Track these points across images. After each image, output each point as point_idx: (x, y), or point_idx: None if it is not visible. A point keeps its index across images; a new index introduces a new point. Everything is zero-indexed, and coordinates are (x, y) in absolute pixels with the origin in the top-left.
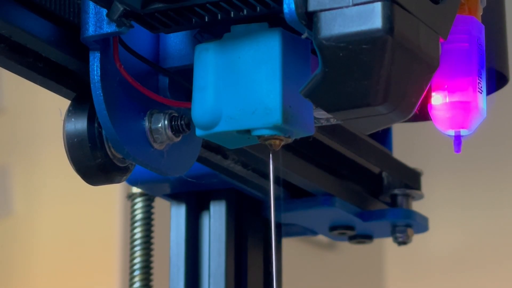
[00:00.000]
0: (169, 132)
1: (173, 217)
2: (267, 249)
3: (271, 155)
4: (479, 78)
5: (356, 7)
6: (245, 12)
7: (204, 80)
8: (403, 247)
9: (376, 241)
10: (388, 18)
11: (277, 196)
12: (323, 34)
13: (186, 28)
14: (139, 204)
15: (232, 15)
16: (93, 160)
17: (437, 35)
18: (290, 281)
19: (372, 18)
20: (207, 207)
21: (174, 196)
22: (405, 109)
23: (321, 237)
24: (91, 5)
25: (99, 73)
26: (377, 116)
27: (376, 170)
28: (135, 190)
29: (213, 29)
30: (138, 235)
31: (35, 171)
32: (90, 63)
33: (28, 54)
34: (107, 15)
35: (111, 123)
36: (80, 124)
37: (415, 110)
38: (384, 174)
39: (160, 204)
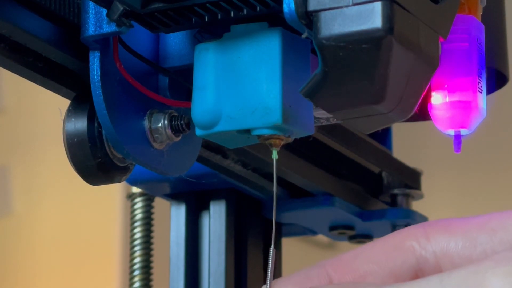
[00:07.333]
0: (169, 132)
1: (173, 217)
2: (267, 249)
3: (274, 156)
4: (479, 78)
5: (356, 6)
6: (245, 12)
7: (204, 79)
8: None
9: None
10: (388, 17)
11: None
12: (323, 34)
13: (186, 28)
14: (139, 204)
15: (232, 15)
16: (93, 160)
17: (437, 35)
18: None
19: (372, 18)
20: (207, 207)
21: (174, 196)
22: (405, 109)
23: (321, 237)
24: (91, 5)
25: (99, 73)
26: (377, 116)
27: (376, 170)
28: (135, 190)
29: (213, 29)
30: (138, 235)
31: (35, 171)
32: (90, 63)
33: (28, 54)
34: (107, 15)
35: (111, 123)
36: (80, 124)
37: (415, 110)
38: (384, 174)
39: (160, 204)
